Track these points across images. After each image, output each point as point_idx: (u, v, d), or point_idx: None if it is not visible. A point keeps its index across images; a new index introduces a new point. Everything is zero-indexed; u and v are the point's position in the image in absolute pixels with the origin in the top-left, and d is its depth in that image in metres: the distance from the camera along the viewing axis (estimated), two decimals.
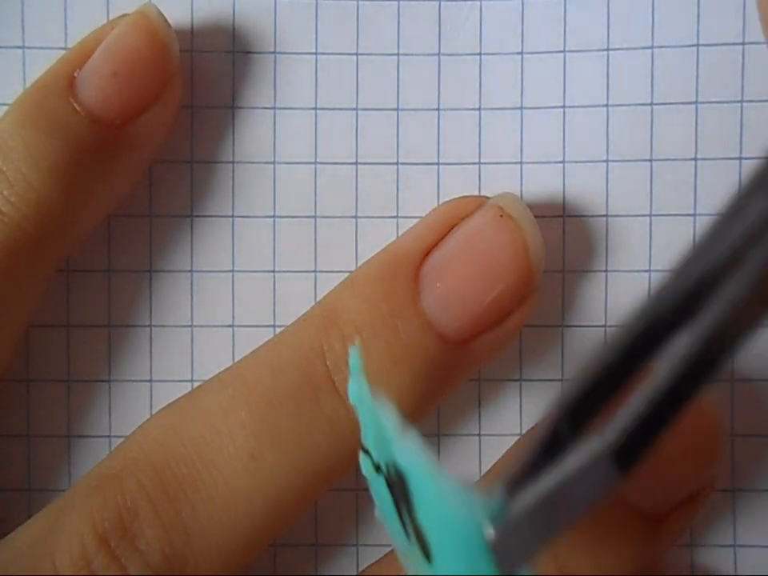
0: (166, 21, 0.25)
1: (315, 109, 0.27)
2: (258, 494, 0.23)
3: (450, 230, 0.25)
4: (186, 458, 0.23)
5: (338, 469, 0.24)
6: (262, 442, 0.23)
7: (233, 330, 0.27)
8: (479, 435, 0.27)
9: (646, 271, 0.27)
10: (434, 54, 0.27)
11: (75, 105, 0.25)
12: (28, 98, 0.25)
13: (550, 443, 0.18)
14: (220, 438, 0.23)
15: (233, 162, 0.27)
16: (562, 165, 0.27)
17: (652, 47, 0.27)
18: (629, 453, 0.17)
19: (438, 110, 0.27)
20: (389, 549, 0.25)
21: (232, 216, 0.27)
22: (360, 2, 0.27)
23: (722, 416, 0.24)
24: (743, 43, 0.26)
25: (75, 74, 0.25)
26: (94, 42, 0.25)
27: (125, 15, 0.26)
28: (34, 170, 0.24)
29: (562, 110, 0.27)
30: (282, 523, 0.24)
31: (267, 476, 0.23)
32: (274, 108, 0.27)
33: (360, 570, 0.27)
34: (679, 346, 0.16)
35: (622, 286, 0.27)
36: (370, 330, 0.24)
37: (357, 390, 0.20)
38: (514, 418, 0.27)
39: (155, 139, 0.26)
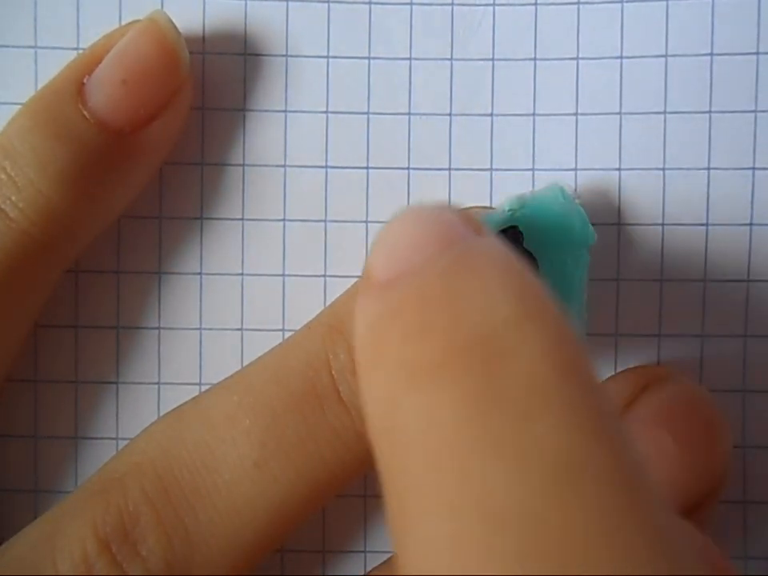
0: (175, 28, 0.25)
1: (326, 112, 0.27)
2: (262, 502, 0.23)
3: None
4: (190, 464, 0.23)
5: (342, 478, 0.24)
6: (267, 451, 0.23)
7: (241, 334, 0.27)
8: None
9: (657, 280, 0.27)
10: (446, 59, 0.27)
11: (84, 111, 0.25)
12: (37, 102, 0.25)
13: None
14: (224, 446, 0.23)
15: (243, 165, 0.27)
16: (574, 172, 0.27)
17: (666, 55, 0.26)
18: None
19: (450, 115, 0.27)
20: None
21: (242, 219, 0.27)
22: (372, 6, 0.27)
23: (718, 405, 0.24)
24: (757, 53, 0.26)
25: (84, 80, 0.25)
26: (103, 47, 0.25)
27: (135, 21, 0.26)
28: (43, 175, 0.24)
29: (574, 117, 0.27)
30: (285, 531, 0.24)
31: (271, 484, 0.23)
32: (285, 111, 0.27)
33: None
34: None
35: (632, 294, 0.27)
36: None
37: None
38: None
39: (164, 146, 0.26)
